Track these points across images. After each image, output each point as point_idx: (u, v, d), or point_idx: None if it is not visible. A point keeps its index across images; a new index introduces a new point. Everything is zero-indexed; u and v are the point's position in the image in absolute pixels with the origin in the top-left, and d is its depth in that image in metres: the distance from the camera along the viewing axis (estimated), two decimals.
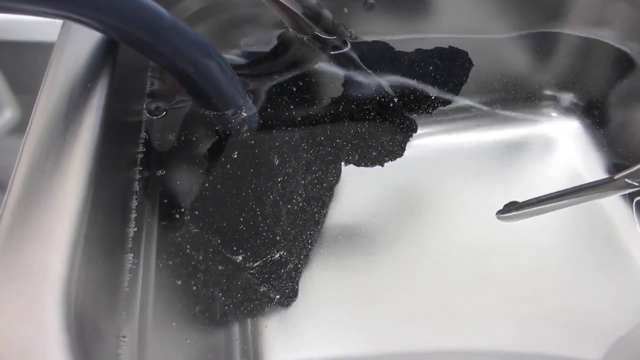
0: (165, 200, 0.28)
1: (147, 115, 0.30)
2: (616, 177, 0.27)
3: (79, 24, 0.23)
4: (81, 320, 0.16)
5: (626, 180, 0.27)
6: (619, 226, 0.32)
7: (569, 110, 0.37)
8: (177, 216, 0.28)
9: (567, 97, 0.38)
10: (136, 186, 0.26)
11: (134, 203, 0.25)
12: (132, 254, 0.23)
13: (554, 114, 0.37)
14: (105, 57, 0.25)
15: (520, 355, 0.28)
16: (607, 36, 0.40)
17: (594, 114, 0.37)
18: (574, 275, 0.30)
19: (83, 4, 0.22)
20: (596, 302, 0.29)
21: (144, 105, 0.30)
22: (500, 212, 0.31)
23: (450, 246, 0.32)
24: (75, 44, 0.26)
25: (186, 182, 0.30)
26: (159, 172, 0.29)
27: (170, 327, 0.25)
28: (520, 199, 0.31)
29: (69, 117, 0.22)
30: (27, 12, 0.21)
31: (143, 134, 0.29)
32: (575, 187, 0.28)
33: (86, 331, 0.16)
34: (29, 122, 0.22)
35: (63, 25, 0.27)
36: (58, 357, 0.15)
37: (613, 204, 0.32)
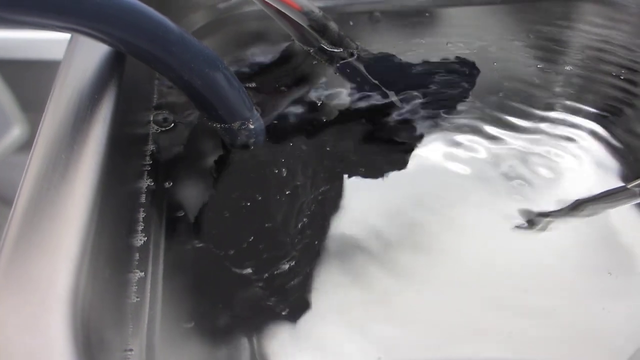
0: (172, 212, 0.28)
1: (154, 126, 0.30)
2: (629, 185, 0.27)
3: (88, 37, 0.23)
4: (88, 332, 0.16)
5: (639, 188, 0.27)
6: (633, 236, 0.31)
7: (580, 120, 0.37)
8: (184, 228, 0.28)
9: (579, 106, 0.38)
10: (143, 198, 0.26)
11: (141, 215, 0.25)
12: (139, 266, 0.23)
13: (565, 124, 0.37)
14: (113, 69, 0.25)
15: None
16: (617, 44, 0.40)
17: (607, 123, 0.36)
18: (587, 288, 0.30)
19: (91, 17, 0.22)
20: (613, 315, 0.29)
21: (151, 117, 0.30)
22: (517, 224, 0.30)
23: (463, 258, 0.32)
24: (82, 56, 0.26)
25: (193, 194, 0.30)
26: (166, 184, 0.29)
27: (177, 340, 0.24)
28: (533, 211, 0.31)
29: (77, 129, 0.22)
30: (38, 25, 0.21)
31: (150, 146, 0.28)
32: (588, 197, 0.28)
33: (93, 343, 0.16)
34: (37, 133, 0.22)
35: (71, 39, 0.28)
36: None
37: (625, 213, 0.32)
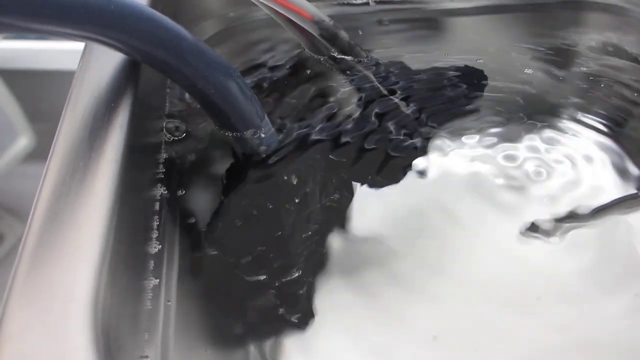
0: (186, 220, 0.28)
1: (167, 135, 0.30)
2: None
3: (104, 45, 0.24)
4: (108, 339, 0.16)
5: None
6: None
7: (591, 128, 0.37)
8: (197, 236, 0.28)
9: (588, 114, 0.38)
10: (157, 206, 0.26)
11: (155, 223, 0.25)
12: (154, 273, 0.23)
13: (574, 131, 0.37)
14: (128, 77, 0.26)
15: None
16: (624, 53, 0.40)
17: (617, 131, 0.36)
18: (601, 298, 0.30)
19: (109, 26, 0.23)
20: (621, 323, 0.28)
21: (164, 125, 0.30)
22: (525, 230, 0.30)
23: (469, 266, 0.32)
24: (98, 64, 0.26)
25: (205, 202, 0.30)
26: (179, 192, 0.29)
27: (191, 347, 0.24)
28: (542, 219, 0.31)
29: (94, 136, 0.22)
30: (57, 34, 0.21)
31: (163, 154, 0.29)
32: (600, 205, 0.28)
33: (112, 350, 0.16)
34: (54, 140, 0.22)
35: (85, 48, 0.28)
36: None
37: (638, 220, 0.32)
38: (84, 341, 0.15)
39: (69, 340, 0.15)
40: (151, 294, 0.22)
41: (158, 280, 0.23)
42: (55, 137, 0.22)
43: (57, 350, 0.15)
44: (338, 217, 0.34)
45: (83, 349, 0.15)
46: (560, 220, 0.29)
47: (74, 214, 0.19)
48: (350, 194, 0.35)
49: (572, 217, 0.28)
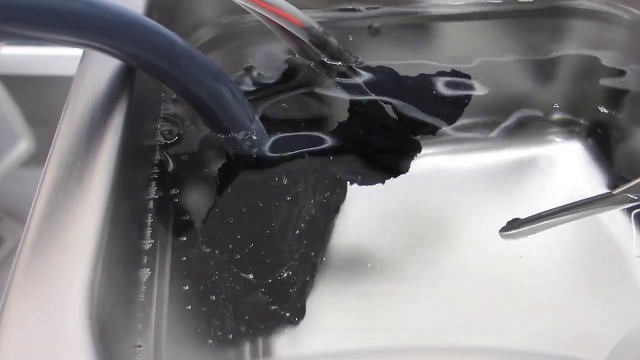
0: (179, 218, 0.29)
1: (161, 137, 0.31)
2: (615, 192, 0.28)
3: (101, 52, 0.25)
4: (103, 326, 0.17)
5: (625, 194, 0.28)
6: (619, 240, 0.32)
7: (571, 131, 0.38)
8: (190, 233, 0.29)
9: (569, 118, 0.39)
10: (151, 204, 0.27)
11: (150, 220, 0.26)
12: (148, 267, 0.24)
13: (556, 134, 0.38)
14: (124, 82, 0.27)
15: None
16: (607, 59, 0.41)
17: (596, 134, 0.38)
18: (576, 289, 0.31)
19: (105, 33, 0.24)
20: (599, 314, 0.30)
21: (158, 127, 0.31)
22: (503, 229, 0.32)
23: (456, 264, 0.33)
24: (95, 70, 0.27)
25: (198, 201, 0.31)
26: (173, 191, 0.30)
27: (183, 339, 0.26)
28: (523, 217, 0.32)
29: (91, 138, 0.23)
30: (55, 42, 0.22)
31: (157, 155, 0.30)
32: (575, 202, 0.29)
33: (108, 337, 0.17)
34: (53, 141, 0.23)
35: (83, 54, 0.29)
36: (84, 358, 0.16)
37: (613, 218, 0.33)
38: (80, 327, 0.17)
39: (66, 326, 0.17)
40: (144, 287, 0.24)
41: (151, 273, 0.25)
42: (54, 138, 0.23)
43: (55, 335, 0.16)
44: (329, 214, 0.35)
45: (80, 334, 0.16)
46: (537, 219, 0.30)
47: (72, 210, 0.20)
48: (343, 192, 0.36)
49: (549, 215, 0.30)
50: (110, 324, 0.19)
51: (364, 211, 0.36)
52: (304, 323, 0.32)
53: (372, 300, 0.32)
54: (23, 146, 0.86)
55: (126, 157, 0.24)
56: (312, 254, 0.33)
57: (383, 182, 0.35)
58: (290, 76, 0.38)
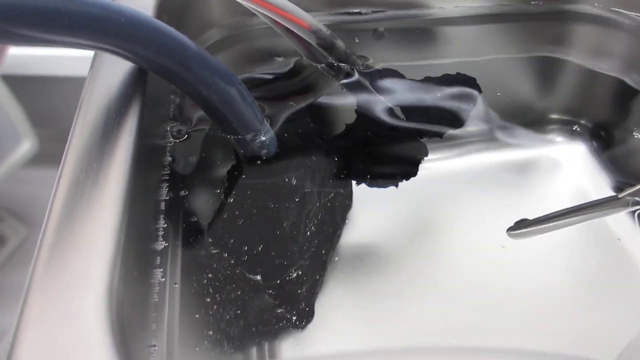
0: (189, 219, 0.29)
1: (171, 138, 0.31)
2: (621, 195, 0.28)
3: (113, 54, 0.25)
4: (122, 326, 0.18)
5: (631, 198, 0.28)
6: (625, 242, 0.32)
7: (575, 133, 0.38)
8: (199, 234, 0.30)
9: (574, 121, 0.39)
10: (162, 205, 0.28)
11: (161, 221, 0.27)
12: (161, 268, 0.24)
13: (560, 137, 0.38)
14: (136, 84, 0.27)
15: None
16: (610, 63, 0.41)
17: (600, 137, 0.38)
18: (582, 291, 0.31)
19: (118, 37, 0.24)
20: (606, 316, 0.30)
21: (169, 128, 0.32)
22: (510, 229, 0.32)
23: (462, 266, 0.33)
24: (107, 72, 0.27)
25: (208, 202, 0.32)
26: (182, 193, 0.30)
27: (194, 340, 0.26)
28: (530, 218, 0.32)
29: (105, 140, 0.23)
30: (71, 45, 0.23)
31: (168, 156, 0.30)
32: (582, 204, 0.29)
33: (126, 335, 0.18)
34: (67, 144, 0.23)
35: (95, 57, 0.29)
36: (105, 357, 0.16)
37: (618, 220, 0.33)
38: (101, 328, 0.17)
39: (87, 326, 0.17)
40: (158, 288, 0.24)
41: (164, 274, 0.25)
42: (68, 141, 0.24)
43: (76, 335, 0.17)
44: (337, 216, 0.36)
45: (100, 334, 0.17)
46: (545, 220, 0.30)
47: (88, 212, 0.20)
48: (348, 192, 0.37)
49: (556, 217, 0.30)
50: (128, 324, 0.19)
51: (371, 213, 0.37)
52: (311, 324, 0.32)
53: (380, 301, 0.32)
54: (26, 146, 0.86)
55: (140, 158, 0.24)
56: (323, 251, 0.33)
57: (396, 186, 0.36)
58: (298, 78, 0.38)
